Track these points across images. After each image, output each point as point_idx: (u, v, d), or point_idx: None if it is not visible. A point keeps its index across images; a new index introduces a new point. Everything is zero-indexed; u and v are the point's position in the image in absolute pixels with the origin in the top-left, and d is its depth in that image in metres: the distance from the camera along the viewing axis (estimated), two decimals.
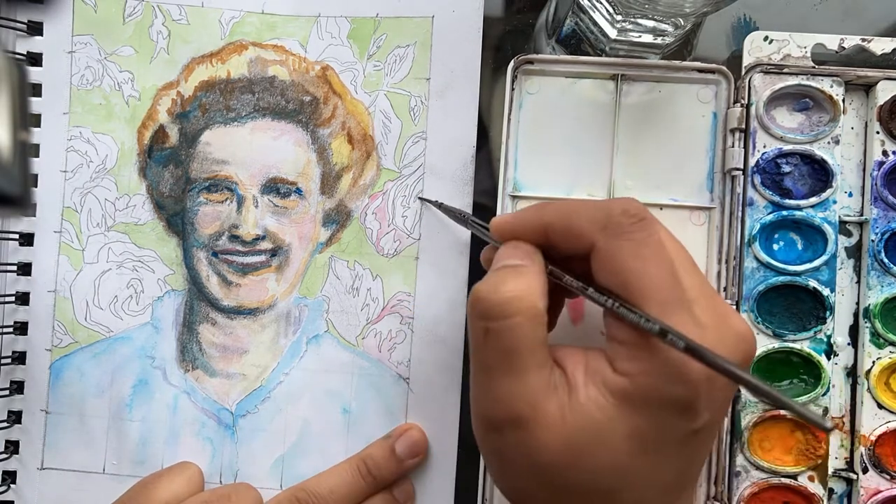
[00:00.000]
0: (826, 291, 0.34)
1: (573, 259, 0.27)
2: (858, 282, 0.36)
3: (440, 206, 0.36)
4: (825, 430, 0.23)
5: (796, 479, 0.34)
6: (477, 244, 0.37)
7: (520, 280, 0.26)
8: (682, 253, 0.26)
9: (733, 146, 0.35)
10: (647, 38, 0.35)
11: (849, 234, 0.36)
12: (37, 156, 0.38)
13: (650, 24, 0.34)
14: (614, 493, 0.25)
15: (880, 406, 0.34)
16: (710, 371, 0.23)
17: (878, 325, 0.35)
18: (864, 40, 0.35)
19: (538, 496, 0.26)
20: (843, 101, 0.35)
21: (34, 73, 0.38)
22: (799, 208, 0.35)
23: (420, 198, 0.36)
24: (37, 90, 0.38)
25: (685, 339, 0.23)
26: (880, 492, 0.34)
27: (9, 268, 0.37)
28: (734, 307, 0.35)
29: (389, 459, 0.35)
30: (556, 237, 0.27)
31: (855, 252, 0.36)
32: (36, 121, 0.38)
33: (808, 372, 0.35)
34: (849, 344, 0.36)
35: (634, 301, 0.25)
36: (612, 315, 0.26)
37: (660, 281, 0.25)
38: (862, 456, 0.34)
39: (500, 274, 0.27)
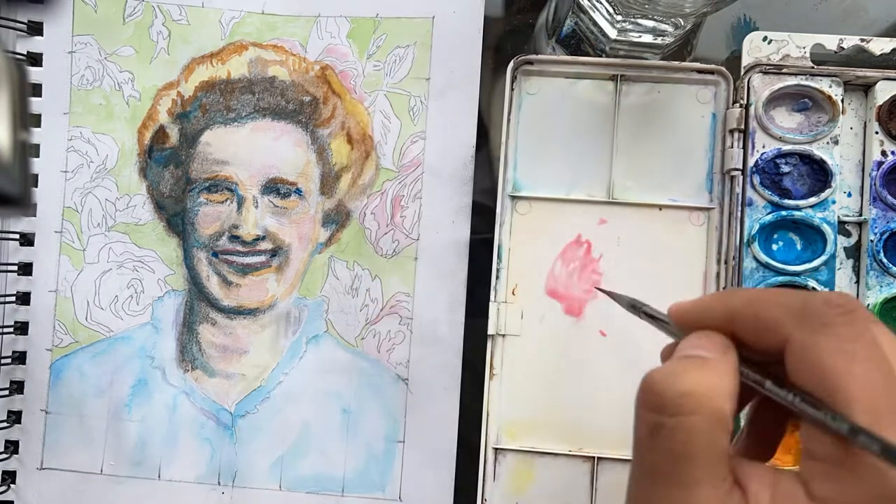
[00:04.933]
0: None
1: (766, 363, 0.24)
2: (857, 282, 0.36)
3: (606, 292, 0.31)
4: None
5: None
6: (476, 245, 0.37)
7: (706, 374, 0.22)
8: None
9: (732, 146, 0.35)
10: (647, 39, 0.35)
11: (848, 235, 0.36)
12: (37, 156, 0.38)
13: (650, 24, 0.34)
14: None
15: None
16: None
17: None
18: (863, 40, 0.35)
19: None
20: (842, 101, 0.35)
21: (34, 73, 0.38)
22: (798, 208, 0.35)
23: (596, 288, 0.34)
24: (37, 90, 0.38)
25: (882, 440, 0.18)
26: None
27: (9, 268, 0.37)
28: None
29: None
30: (744, 328, 0.23)
31: (854, 252, 0.36)
32: (36, 121, 0.38)
33: None
34: None
35: (837, 407, 0.20)
36: (807, 424, 0.22)
37: (870, 383, 0.20)
38: None
39: (683, 363, 0.23)
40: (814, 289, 0.34)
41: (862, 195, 0.36)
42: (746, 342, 0.24)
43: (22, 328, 0.38)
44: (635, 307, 0.28)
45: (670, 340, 0.26)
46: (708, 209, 0.36)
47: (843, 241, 0.36)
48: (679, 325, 0.25)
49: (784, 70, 0.35)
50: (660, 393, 0.22)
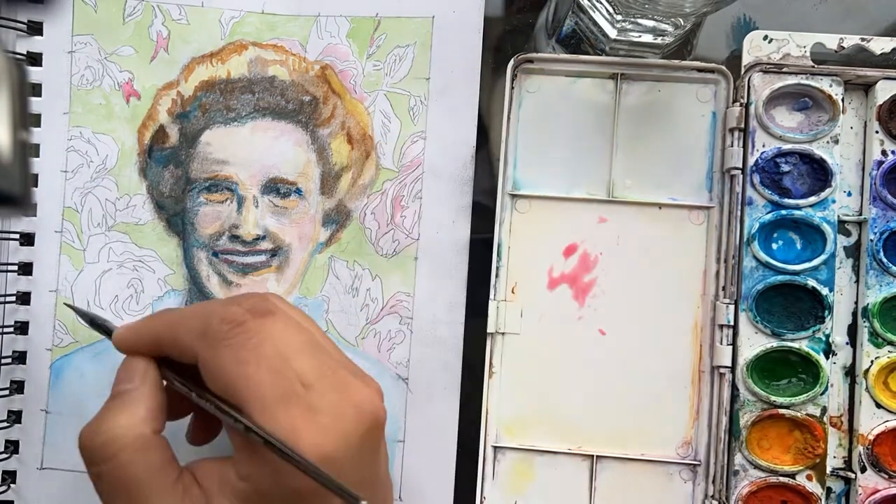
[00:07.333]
0: (825, 291, 0.34)
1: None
2: (857, 281, 0.36)
3: (73, 307, 0.33)
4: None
5: (794, 479, 0.34)
6: (476, 245, 0.37)
7: (122, 413, 0.26)
8: (299, 339, 0.26)
9: (732, 145, 0.35)
10: (647, 38, 0.35)
11: (848, 234, 0.36)
12: (37, 156, 0.38)
13: (650, 23, 0.34)
14: None
15: (878, 405, 0.35)
16: (326, 455, 0.24)
17: (877, 325, 0.35)
18: (863, 40, 0.35)
19: None
20: (843, 100, 0.35)
21: (34, 73, 0.38)
22: (798, 208, 0.35)
23: (66, 304, 0.36)
24: (37, 90, 0.38)
25: (261, 434, 0.24)
26: (878, 491, 0.34)
27: (9, 268, 0.37)
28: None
29: None
30: (169, 349, 0.27)
31: (854, 251, 0.36)
32: (36, 121, 0.38)
33: (806, 371, 0.35)
34: (847, 343, 0.36)
35: (242, 407, 0.25)
36: (225, 421, 0.26)
37: (259, 381, 0.25)
38: (860, 455, 0.34)
39: (105, 410, 0.27)
40: (814, 289, 0.34)
41: (862, 194, 0.36)
42: (175, 359, 0.27)
43: (22, 328, 0.38)
44: (95, 323, 0.31)
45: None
46: (708, 208, 0.36)
47: (842, 241, 0.36)
48: (122, 350, 0.29)
49: (784, 69, 0.35)
50: (87, 449, 0.26)
